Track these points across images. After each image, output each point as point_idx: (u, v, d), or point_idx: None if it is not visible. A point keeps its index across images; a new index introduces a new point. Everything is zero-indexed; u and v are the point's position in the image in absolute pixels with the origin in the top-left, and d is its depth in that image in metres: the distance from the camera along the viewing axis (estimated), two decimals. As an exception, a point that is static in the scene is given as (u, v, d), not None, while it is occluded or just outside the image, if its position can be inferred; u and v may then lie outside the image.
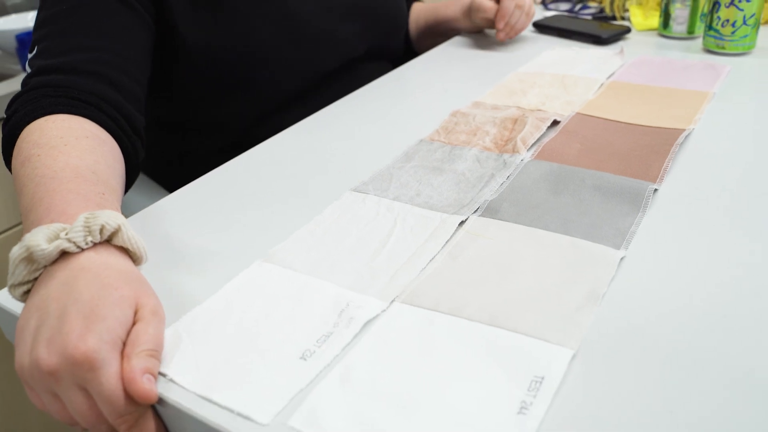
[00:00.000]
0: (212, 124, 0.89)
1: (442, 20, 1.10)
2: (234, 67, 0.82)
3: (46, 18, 0.72)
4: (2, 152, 0.64)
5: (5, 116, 0.65)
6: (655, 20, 1.08)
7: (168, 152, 0.94)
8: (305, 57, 0.86)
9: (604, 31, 1.02)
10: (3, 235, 1.28)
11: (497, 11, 0.98)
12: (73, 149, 0.58)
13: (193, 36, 0.79)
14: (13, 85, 1.27)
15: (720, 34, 0.93)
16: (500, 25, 0.98)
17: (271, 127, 0.85)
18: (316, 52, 0.87)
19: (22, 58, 1.33)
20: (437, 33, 1.11)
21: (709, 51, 0.96)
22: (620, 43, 1.01)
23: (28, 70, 0.70)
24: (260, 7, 0.82)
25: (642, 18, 1.10)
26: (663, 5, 1.02)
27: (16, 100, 0.66)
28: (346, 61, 0.92)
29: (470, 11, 1.03)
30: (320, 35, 0.87)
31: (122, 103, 0.68)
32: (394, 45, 1.03)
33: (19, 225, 1.30)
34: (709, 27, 0.94)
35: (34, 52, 0.71)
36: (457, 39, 1.07)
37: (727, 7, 0.92)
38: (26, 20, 1.48)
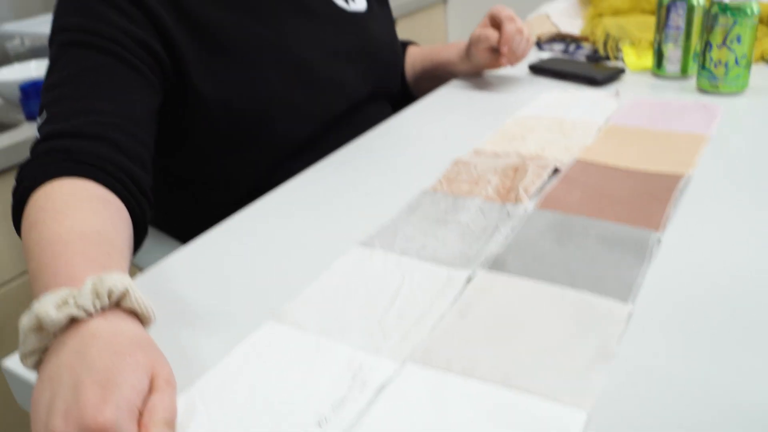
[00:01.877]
0: (223, 175, 0.90)
1: (438, 64, 1.12)
2: (245, 116, 0.84)
3: (54, 82, 0.74)
4: (12, 220, 0.65)
5: (15, 183, 0.67)
6: (648, 60, 1.10)
7: (178, 204, 0.95)
8: (314, 102, 0.88)
9: (598, 72, 1.04)
10: (11, 284, 1.28)
11: (499, 38, 0.99)
12: (78, 212, 0.59)
13: (205, 86, 0.81)
14: (17, 136, 1.28)
15: (713, 74, 0.95)
16: (504, 49, 0.98)
17: (281, 175, 0.86)
18: (324, 97, 0.89)
19: (26, 108, 1.35)
20: (434, 77, 1.13)
21: (703, 91, 0.98)
22: (615, 84, 1.03)
23: (37, 135, 0.71)
24: (269, 54, 0.84)
25: (635, 58, 1.12)
26: (656, 45, 1.04)
27: (25, 168, 0.67)
28: (353, 103, 0.94)
29: (469, 49, 1.05)
30: (328, 80, 0.89)
31: (128, 164, 0.69)
32: (393, 86, 1.05)
33: (23, 274, 1.31)
34: (702, 67, 0.96)
35: (43, 117, 0.72)
36: (454, 82, 1.09)
37: (719, 48, 0.94)
38: (29, 69, 1.51)
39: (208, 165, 0.89)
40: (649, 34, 1.14)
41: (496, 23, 1.01)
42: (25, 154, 1.27)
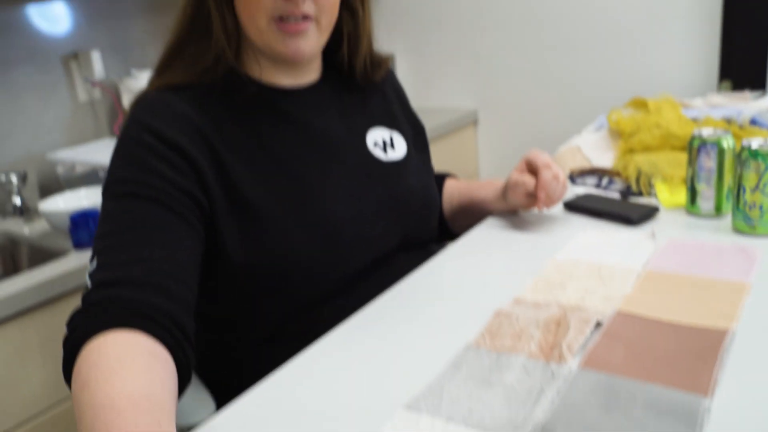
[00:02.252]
0: (245, 320, 0.93)
1: (475, 202, 1.15)
2: (267, 272, 0.87)
3: (106, 231, 0.78)
4: (63, 369, 0.67)
5: (66, 332, 0.69)
6: (681, 196, 1.12)
7: (201, 347, 0.97)
8: (339, 260, 0.90)
9: (633, 211, 1.06)
10: (45, 416, 1.29)
11: (536, 183, 1.02)
12: (128, 372, 0.61)
13: (233, 243, 0.85)
14: (64, 265, 1.33)
15: (748, 216, 0.96)
16: (541, 195, 1.01)
17: (306, 321, 0.88)
18: (350, 254, 0.91)
19: (75, 237, 1.40)
20: (471, 213, 1.16)
21: (739, 232, 0.98)
22: (650, 224, 1.05)
23: (89, 283, 0.74)
24: (297, 214, 0.88)
25: (668, 194, 1.14)
26: (689, 184, 1.06)
27: (76, 317, 0.70)
28: (379, 257, 0.95)
29: (506, 191, 1.08)
30: (354, 238, 0.91)
31: (176, 312, 0.72)
32: (425, 235, 1.06)
33: (57, 405, 1.32)
34: (737, 208, 0.98)
35: (94, 265, 0.75)
36: (490, 221, 1.12)
37: (753, 192, 0.95)
38: (78, 198, 1.58)
39: (227, 309, 0.92)
40: (681, 171, 1.16)
41: (532, 168, 1.04)
42: (71, 285, 1.32)
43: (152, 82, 0.92)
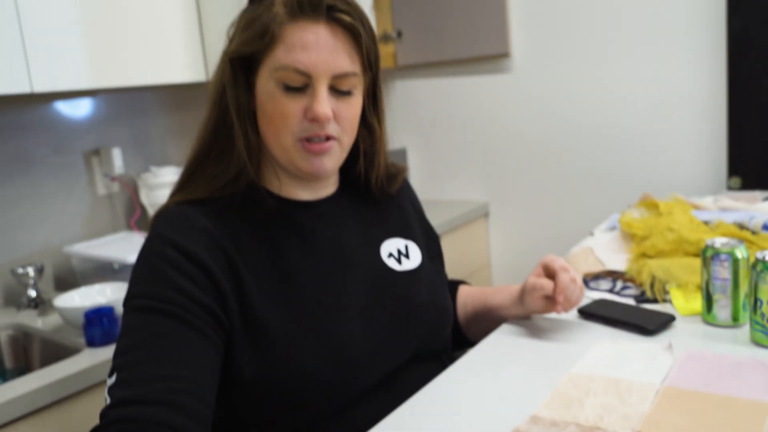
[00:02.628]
0: (260, 430, 0.91)
1: (491, 308, 1.14)
2: (280, 388, 0.86)
3: (125, 346, 0.79)
4: None
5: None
6: (697, 303, 1.11)
7: None
8: (351, 377, 0.90)
9: (649, 320, 1.06)
10: None
11: (554, 287, 1.02)
12: None
13: (244, 358, 0.85)
14: (77, 364, 1.32)
15: (766, 328, 0.96)
16: (560, 298, 1.01)
17: None
18: (362, 371, 0.91)
19: (88, 334, 1.40)
20: (486, 320, 1.16)
21: (758, 344, 0.97)
22: (667, 333, 1.04)
23: (108, 399, 0.74)
24: (309, 332, 0.88)
25: (684, 301, 1.13)
26: (704, 292, 1.06)
27: None
28: (391, 371, 0.95)
29: (523, 295, 1.08)
30: (366, 355, 0.91)
31: (192, 428, 0.72)
32: (440, 342, 1.05)
33: None
34: (754, 320, 0.97)
35: (113, 380, 0.76)
36: (505, 328, 1.11)
37: (769, 304, 0.95)
38: (92, 294, 1.59)
39: (242, 418, 0.91)
40: (696, 277, 1.16)
41: (549, 273, 1.05)
42: (83, 384, 1.31)
43: (173, 196, 0.95)
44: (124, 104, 2.03)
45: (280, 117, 0.89)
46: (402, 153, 2.61)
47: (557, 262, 1.05)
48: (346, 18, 0.88)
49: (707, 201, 1.64)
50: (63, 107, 1.89)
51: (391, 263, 1.01)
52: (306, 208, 0.97)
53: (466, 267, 2.41)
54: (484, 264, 2.55)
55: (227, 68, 0.91)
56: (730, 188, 2.00)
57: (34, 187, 1.82)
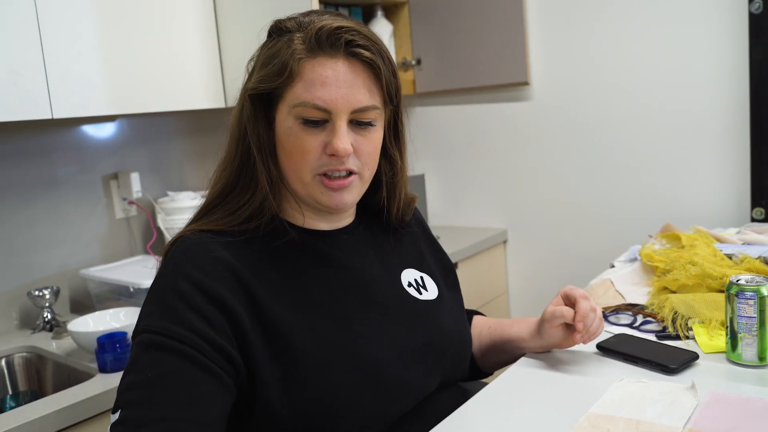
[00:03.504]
0: None
1: (507, 340, 1.12)
2: (311, 419, 0.84)
3: (132, 383, 0.78)
4: None
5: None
6: (721, 340, 1.08)
7: None
8: (383, 405, 0.88)
9: (672, 358, 1.02)
10: None
11: (574, 315, 1.01)
12: None
13: (274, 390, 0.83)
14: (89, 389, 1.31)
15: (793, 369, 0.92)
16: (579, 326, 0.99)
17: None
18: (393, 398, 0.90)
19: (100, 360, 1.40)
20: (502, 351, 1.13)
21: (784, 386, 0.94)
22: (690, 372, 1.01)
23: None
24: (340, 359, 0.86)
25: (707, 338, 1.10)
26: (728, 331, 1.03)
27: None
28: (420, 399, 0.94)
29: (541, 325, 1.06)
30: (397, 381, 0.90)
31: None
32: (461, 375, 1.05)
33: None
34: (781, 361, 0.94)
35: (117, 417, 0.75)
36: (523, 361, 1.09)
37: (797, 345, 0.92)
38: (105, 319, 1.58)
39: None
40: (719, 314, 1.13)
41: (569, 302, 1.03)
42: (94, 411, 1.30)
43: (190, 226, 0.93)
44: (143, 128, 2.04)
45: (300, 152, 0.88)
46: (420, 179, 2.60)
47: (577, 291, 1.04)
48: (365, 53, 0.88)
49: (731, 233, 1.61)
50: (83, 131, 1.90)
51: (412, 292, 1.00)
52: (326, 237, 0.96)
53: (483, 295, 2.38)
54: (501, 292, 2.52)
55: (247, 104, 0.91)
56: (753, 219, 1.97)
57: (53, 209, 1.83)
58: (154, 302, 0.84)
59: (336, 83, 0.86)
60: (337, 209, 0.92)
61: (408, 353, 0.93)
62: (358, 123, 0.90)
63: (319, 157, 0.88)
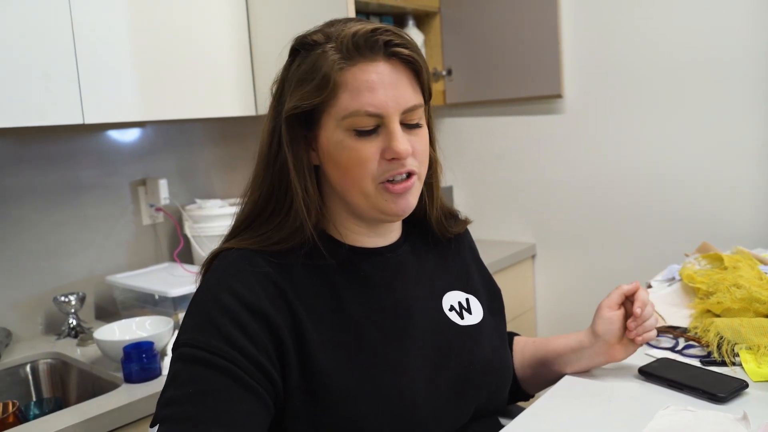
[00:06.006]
0: None
1: (554, 354, 1.08)
2: None
3: (174, 398, 0.75)
4: None
5: None
6: (769, 369, 1.03)
7: None
8: None
9: (719, 386, 0.98)
10: None
11: (634, 302, 1.01)
12: None
13: (303, 414, 0.80)
14: (114, 400, 1.29)
15: None
16: (637, 311, 0.99)
17: None
18: (423, 430, 0.86)
19: (126, 369, 1.38)
20: (546, 369, 1.09)
21: (842, 419, 0.89)
22: (739, 401, 0.96)
23: None
24: (371, 388, 0.83)
25: (755, 365, 1.05)
26: (779, 359, 0.98)
27: None
28: (453, 430, 0.90)
29: (597, 314, 1.03)
30: (428, 415, 0.86)
31: None
32: (500, 402, 1.01)
33: None
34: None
35: (156, 431, 0.72)
36: (564, 384, 1.05)
37: None
38: (131, 328, 1.56)
39: None
40: (768, 339, 1.08)
41: (623, 298, 1.03)
42: (119, 422, 1.28)
43: (228, 241, 0.91)
44: (172, 135, 2.03)
45: (358, 163, 0.85)
46: (449, 191, 2.56)
47: (634, 283, 1.03)
48: (405, 51, 0.86)
49: (772, 254, 1.55)
50: (112, 136, 1.90)
51: (453, 317, 0.96)
52: (370, 255, 0.93)
53: (510, 310, 2.31)
54: (529, 308, 2.47)
55: (283, 127, 0.87)
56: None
57: (81, 214, 1.83)
58: (196, 316, 0.82)
59: (383, 86, 0.84)
60: (404, 214, 0.90)
61: (442, 384, 0.89)
62: (407, 125, 0.87)
63: (378, 164, 0.86)
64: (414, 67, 0.88)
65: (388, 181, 0.86)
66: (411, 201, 0.90)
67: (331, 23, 0.89)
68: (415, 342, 0.90)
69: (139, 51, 1.64)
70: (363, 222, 0.92)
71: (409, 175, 0.88)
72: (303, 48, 0.88)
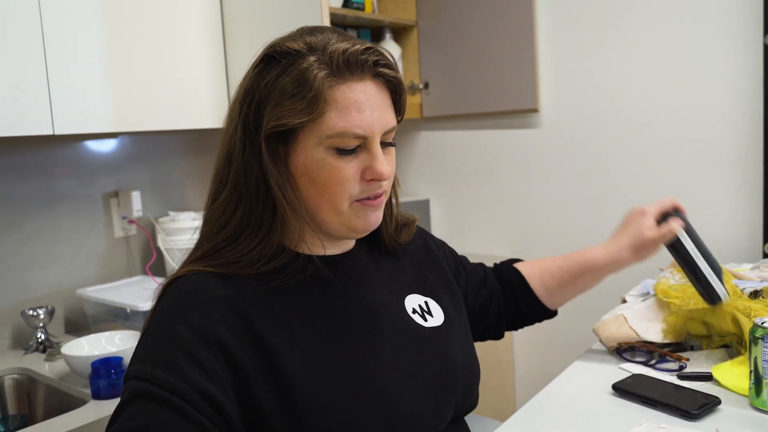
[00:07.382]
0: None
1: (583, 266, 1.29)
2: None
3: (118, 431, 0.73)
4: None
5: None
6: (744, 381, 1.03)
7: None
8: None
9: (692, 402, 0.98)
10: None
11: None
12: None
13: (283, 430, 0.78)
14: (81, 417, 1.26)
15: (822, 418, 0.88)
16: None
17: None
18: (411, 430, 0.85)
19: (93, 386, 1.35)
20: (574, 284, 1.29)
21: (813, 436, 0.90)
22: (712, 417, 0.96)
23: None
24: (350, 393, 0.82)
25: (728, 375, 1.06)
26: (753, 375, 0.98)
27: None
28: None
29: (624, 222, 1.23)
30: (411, 415, 0.85)
31: None
32: (472, 406, 1.00)
33: None
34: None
35: None
36: (536, 402, 1.04)
37: (827, 392, 0.87)
38: (102, 342, 1.53)
39: None
40: (738, 331, 1.10)
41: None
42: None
43: (188, 266, 0.87)
44: (146, 146, 2.01)
45: (338, 183, 0.83)
46: (425, 204, 2.56)
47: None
48: (390, 72, 0.86)
49: (745, 269, 1.56)
50: (84, 147, 1.87)
51: (417, 319, 0.95)
52: (330, 263, 0.91)
53: (487, 324, 2.33)
54: (505, 321, 2.47)
55: (262, 146, 0.82)
56: (766, 255, 1.92)
57: (51, 226, 1.79)
58: (148, 347, 0.79)
59: (369, 107, 0.83)
60: (371, 229, 0.90)
61: (421, 384, 0.89)
62: (383, 143, 0.87)
63: (357, 183, 0.85)
64: (395, 88, 0.88)
65: (365, 198, 0.86)
66: (380, 216, 0.90)
67: (309, 31, 0.86)
68: (387, 345, 0.88)
69: (112, 62, 1.62)
70: (322, 234, 0.91)
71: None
72: (281, 57, 0.83)
